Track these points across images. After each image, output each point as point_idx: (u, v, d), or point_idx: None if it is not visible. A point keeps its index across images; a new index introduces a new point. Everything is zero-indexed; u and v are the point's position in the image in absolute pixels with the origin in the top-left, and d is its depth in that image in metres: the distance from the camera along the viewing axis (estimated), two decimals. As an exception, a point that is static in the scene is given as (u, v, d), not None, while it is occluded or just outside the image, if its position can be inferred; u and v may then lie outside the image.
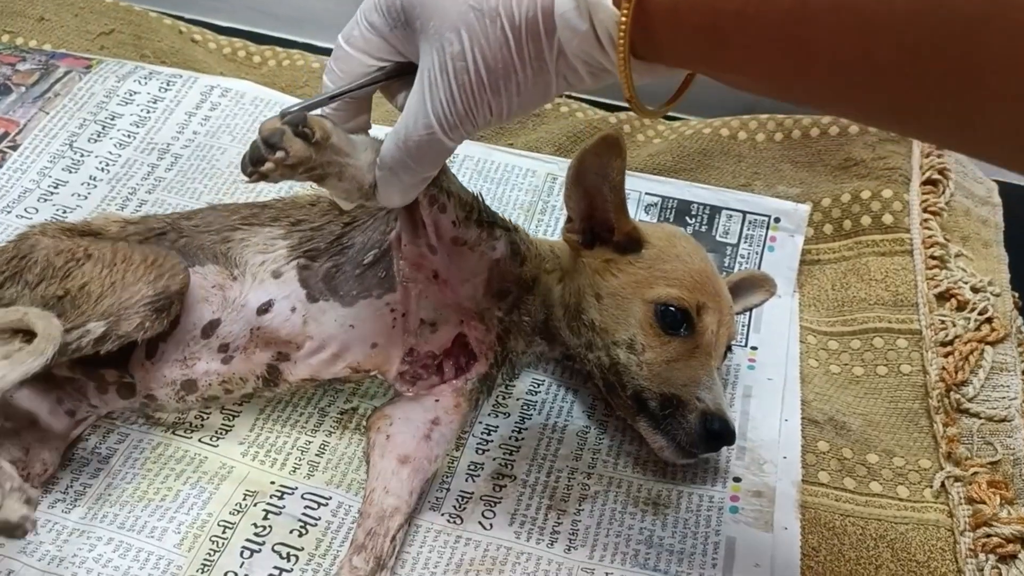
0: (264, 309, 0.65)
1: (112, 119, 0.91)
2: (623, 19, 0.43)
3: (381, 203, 0.57)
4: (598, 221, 0.67)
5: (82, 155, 0.88)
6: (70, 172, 0.86)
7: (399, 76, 0.53)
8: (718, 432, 0.64)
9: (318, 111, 0.54)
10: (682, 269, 0.66)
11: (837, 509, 0.67)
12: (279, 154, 0.51)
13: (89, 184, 0.86)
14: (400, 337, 0.67)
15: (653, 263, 0.66)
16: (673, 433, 0.65)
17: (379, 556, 0.61)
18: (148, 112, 0.92)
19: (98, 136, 0.90)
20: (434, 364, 0.68)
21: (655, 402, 0.65)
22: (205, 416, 0.70)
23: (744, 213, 0.87)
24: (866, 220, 0.85)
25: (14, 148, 0.87)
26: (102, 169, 0.87)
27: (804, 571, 0.63)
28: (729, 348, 0.70)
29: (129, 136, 0.90)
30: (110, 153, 0.88)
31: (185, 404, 0.67)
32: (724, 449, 0.70)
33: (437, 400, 0.68)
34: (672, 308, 0.65)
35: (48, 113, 0.91)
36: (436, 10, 0.48)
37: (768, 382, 0.75)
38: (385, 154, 0.53)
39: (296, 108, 0.53)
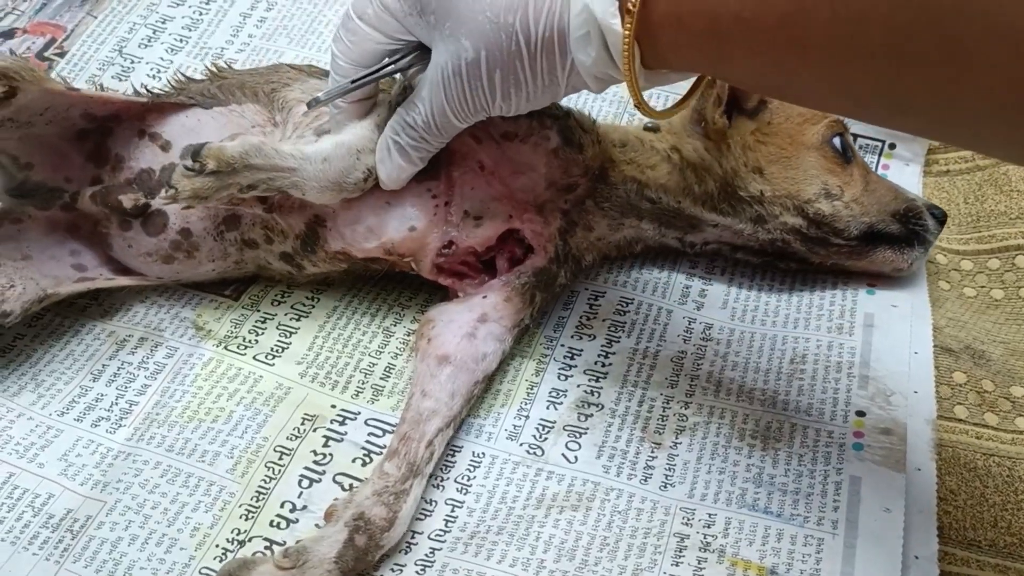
0: None
1: (163, 22, 0.85)
2: (626, 35, 0.46)
3: (387, 186, 0.58)
4: (734, 96, 0.65)
5: (132, 62, 0.82)
6: (120, 80, 0.81)
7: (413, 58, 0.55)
8: (944, 216, 0.66)
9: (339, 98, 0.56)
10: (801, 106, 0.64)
11: (978, 448, 0.59)
12: (170, 191, 0.54)
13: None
14: (441, 226, 0.61)
15: (787, 113, 0.65)
16: (922, 237, 0.65)
17: (412, 462, 0.55)
18: (200, 14, 0.86)
19: (149, 41, 0.84)
20: (478, 262, 0.63)
21: (895, 225, 0.65)
22: (260, 331, 0.64)
23: (855, 136, 0.75)
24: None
25: (61, 55, 0.83)
26: (153, 77, 0.81)
27: (941, 516, 0.55)
28: None
29: (181, 40, 0.84)
30: (161, 59, 0.82)
31: (222, 243, 0.63)
32: (844, 378, 0.62)
33: (485, 296, 0.62)
34: (840, 136, 0.65)
35: (96, 17, 0.85)
36: (452, 13, 0.50)
37: (893, 310, 0.66)
38: (398, 134, 0.56)
39: (323, 97, 0.55)
